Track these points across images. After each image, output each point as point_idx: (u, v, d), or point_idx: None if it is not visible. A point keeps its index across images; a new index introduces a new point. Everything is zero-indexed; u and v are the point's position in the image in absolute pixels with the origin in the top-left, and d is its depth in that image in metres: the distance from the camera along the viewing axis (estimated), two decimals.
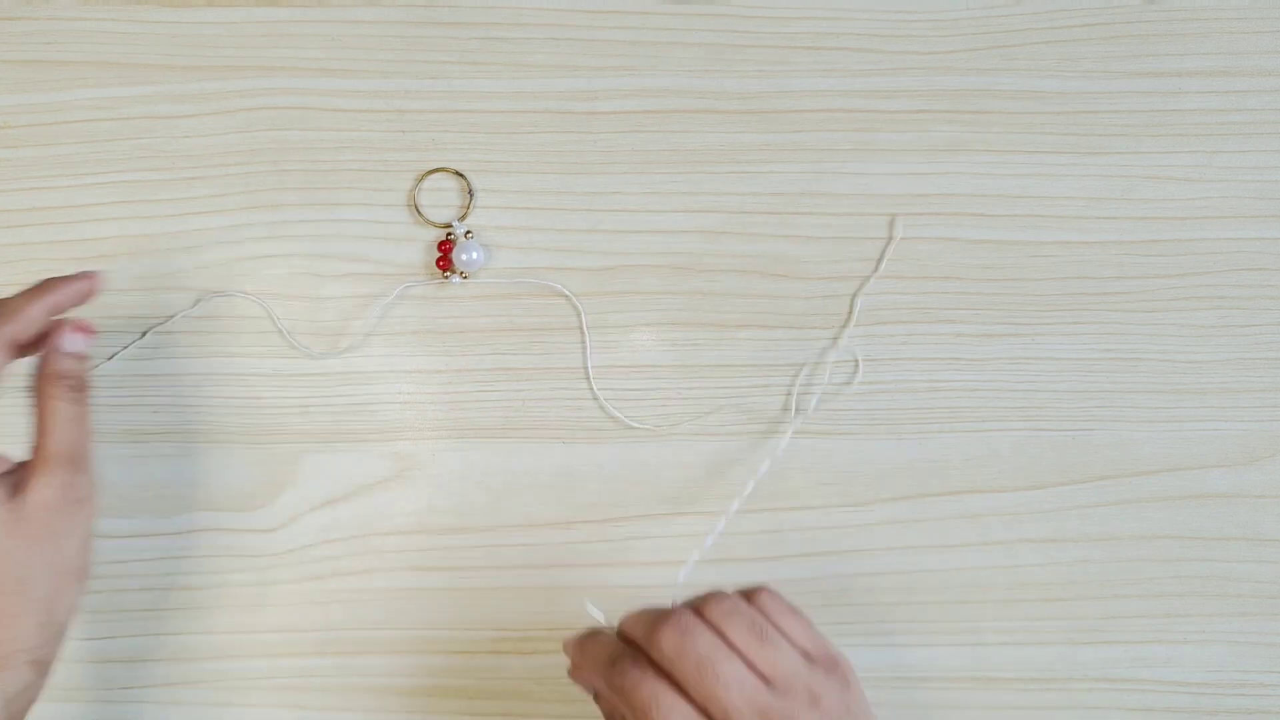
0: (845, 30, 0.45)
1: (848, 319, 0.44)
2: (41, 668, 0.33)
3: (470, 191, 0.44)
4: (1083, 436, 0.44)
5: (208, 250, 0.44)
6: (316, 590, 0.43)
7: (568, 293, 0.44)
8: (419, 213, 0.44)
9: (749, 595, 0.34)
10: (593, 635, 0.34)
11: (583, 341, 0.44)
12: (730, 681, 0.31)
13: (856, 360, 0.44)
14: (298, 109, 0.45)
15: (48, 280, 0.36)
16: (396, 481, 0.43)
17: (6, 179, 0.44)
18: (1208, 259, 0.45)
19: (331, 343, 0.44)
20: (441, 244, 0.44)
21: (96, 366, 0.43)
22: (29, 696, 0.33)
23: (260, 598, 0.43)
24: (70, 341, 0.35)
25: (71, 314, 0.36)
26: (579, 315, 0.44)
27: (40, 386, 0.34)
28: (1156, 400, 0.44)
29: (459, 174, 0.44)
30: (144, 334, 0.43)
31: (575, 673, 0.34)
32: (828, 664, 0.33)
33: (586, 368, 0.44)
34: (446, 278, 0.44)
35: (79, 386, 0.35)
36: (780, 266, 0.44)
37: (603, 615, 0.35)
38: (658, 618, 0.32)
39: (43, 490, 0.33)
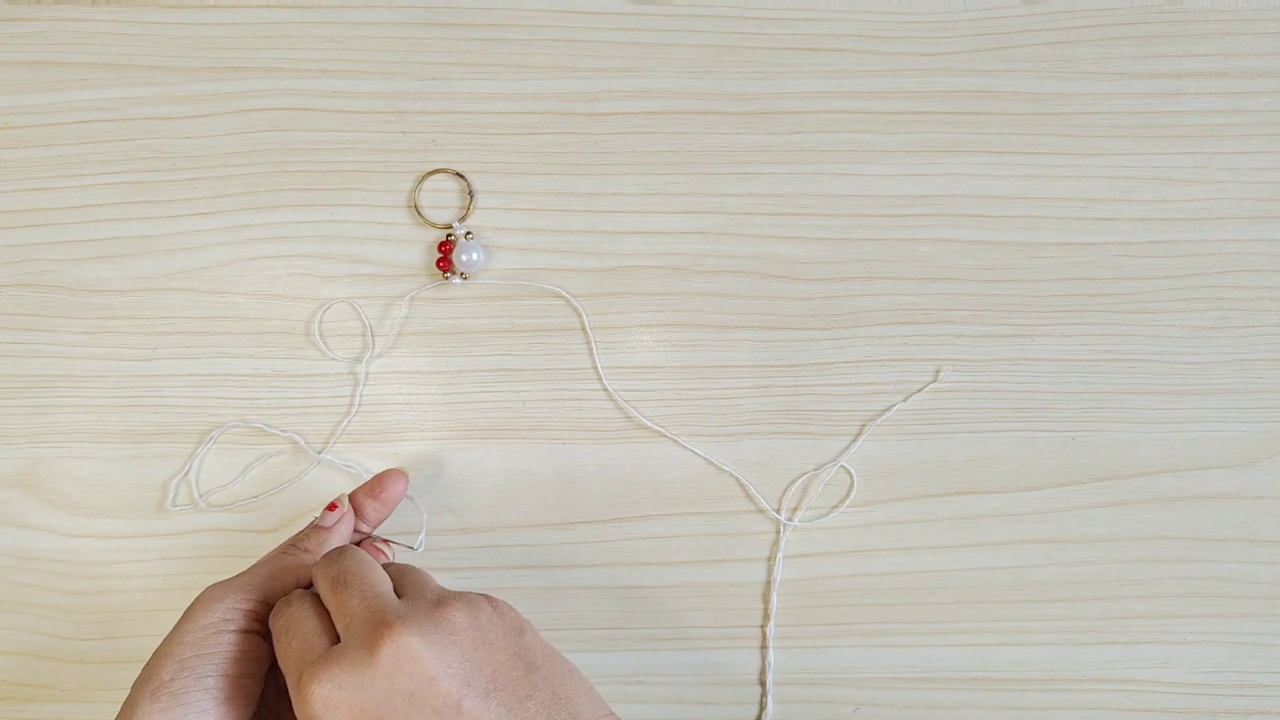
0: (845, 32, 0.45)
1: (855, 438, 0.44)
2: None
3: (470, 193, 0.44)
4: (1082, 437, 0.44)
5: (208, 250, 0.44)
6: None
7: (566, 294, 0.44)
8: (419, 214, 0.44)
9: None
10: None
11: (589, 342, 0.44)
12: (362, 584, 0.32)
13: (850, 473, 0.44)
14: (298, 110, 0.45)
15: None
16: None
17: (6, 179, 0.44)
18: (1207, 260, 0.45)
19: (333, 344, 0.44)
20: (442, 245, 0.44)
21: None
22: None
23: None
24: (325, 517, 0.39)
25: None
26: (581, 316, 0.44)
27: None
28: (1155, 401, 0.44)
29: (459, 175, 0.45)
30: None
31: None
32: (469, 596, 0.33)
33: (597, 367, 0.44)
34: (447, 279, 0.44)
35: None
36: (780, 267, 0.44)
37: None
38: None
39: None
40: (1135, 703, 0.43)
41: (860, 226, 0.45)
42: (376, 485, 0.40)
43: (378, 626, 0.30)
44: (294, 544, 0.37)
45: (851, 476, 0.44)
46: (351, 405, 0.44)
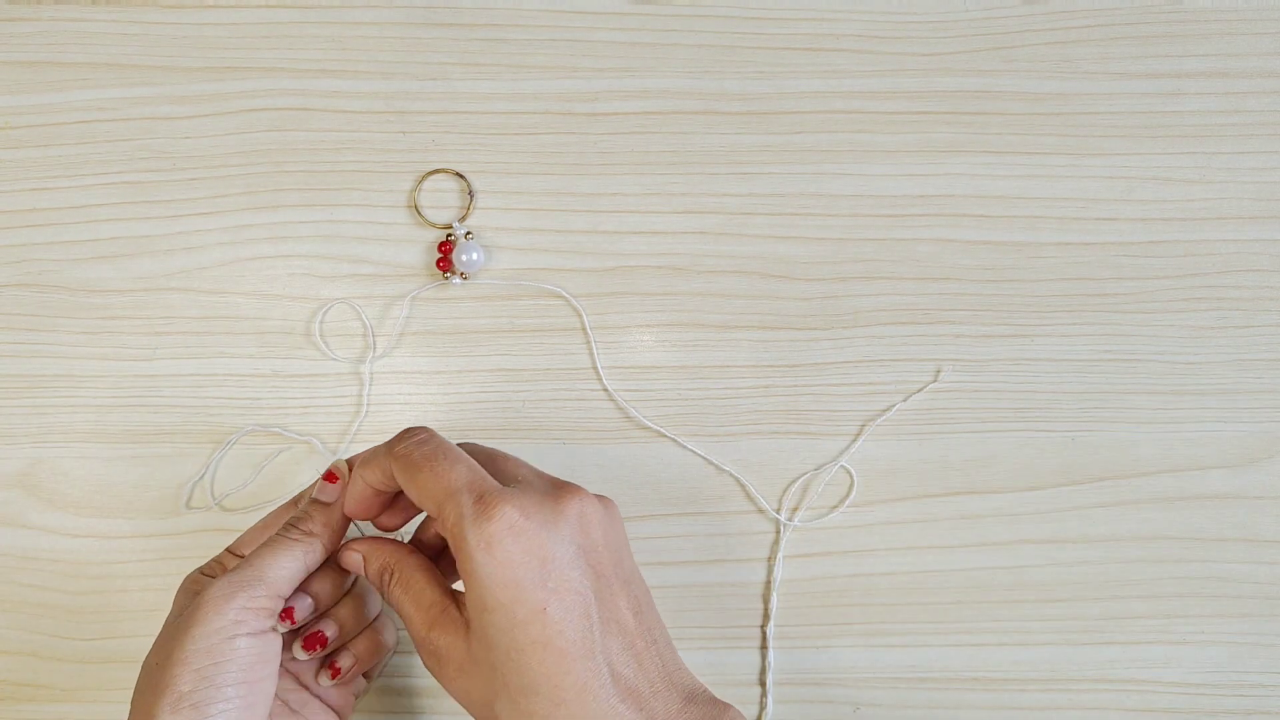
0: (844, 32, 0.45)
1: (855, 438, 0.44)
2: None
3: (470, 192, 0.44)
4: (1082, 437, 0.44)
5: (208, 250, 0.44)
6: None
7: (566, 294, 0.44)
8: (419, 214, 0.44)
9: None
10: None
11: (589, 342, 0.44)
12: (521, 460, 0.35)
13: (850, 473, 0.44)
14: (298, 110, 0.45)
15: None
16: None
17: (6, 179, 0.44)
18: (1207, 260, 0.45)
19: (333, 344, 0.44)
20: (442, 245, 0.44)
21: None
22: None
23: None
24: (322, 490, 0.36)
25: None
26: (581, 316, 0.44)
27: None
28: (1155, 401, 0.44)
29: (459, 175, 0.45)
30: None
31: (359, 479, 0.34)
32: None
33: (597, 367, 0.44)
34: (447, 279, 0.44)
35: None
36: (780, 267, 0.44)
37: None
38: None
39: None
40: (1135, 703, 0.43)
41: (860, 226, 0.45)
42: None
43: (560, 486, 0.32)
44: (296, 526, 0.35)
45: (851, 476, 0.44)
46: (360, 406, 0.44)
